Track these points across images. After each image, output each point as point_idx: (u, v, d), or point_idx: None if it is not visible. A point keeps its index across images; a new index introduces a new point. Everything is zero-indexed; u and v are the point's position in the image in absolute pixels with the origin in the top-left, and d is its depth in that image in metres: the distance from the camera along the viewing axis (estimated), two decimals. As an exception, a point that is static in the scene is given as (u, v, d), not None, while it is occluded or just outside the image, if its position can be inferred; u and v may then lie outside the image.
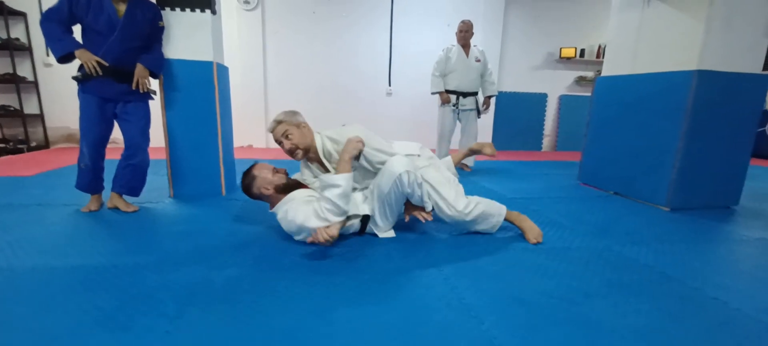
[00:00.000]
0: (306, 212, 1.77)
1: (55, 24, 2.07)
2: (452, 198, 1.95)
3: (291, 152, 1.93)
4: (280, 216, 1.87)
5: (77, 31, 2.16)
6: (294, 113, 1.97)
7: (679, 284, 1.60)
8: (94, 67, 2.08)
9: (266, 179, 1.91)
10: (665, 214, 2.64)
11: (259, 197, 1.95)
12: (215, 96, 2.66)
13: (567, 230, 2.22)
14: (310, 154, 2.00)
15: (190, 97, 2.62)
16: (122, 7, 2.15)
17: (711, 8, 2.44)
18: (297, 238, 1.87)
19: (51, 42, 2.09)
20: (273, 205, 1.93)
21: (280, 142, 1.95)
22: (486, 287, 1.52)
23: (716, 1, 2.43)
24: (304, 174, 2.13)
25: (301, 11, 5.28)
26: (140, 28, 2.23)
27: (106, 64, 2.12)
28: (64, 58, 2.11)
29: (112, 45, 2.13)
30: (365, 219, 1.96)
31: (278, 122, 1.94)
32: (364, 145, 1.84)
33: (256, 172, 1.93)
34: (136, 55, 2.24)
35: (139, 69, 2.25)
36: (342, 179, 1.74)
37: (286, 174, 1.99)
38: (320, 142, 1.97)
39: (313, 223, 1.74)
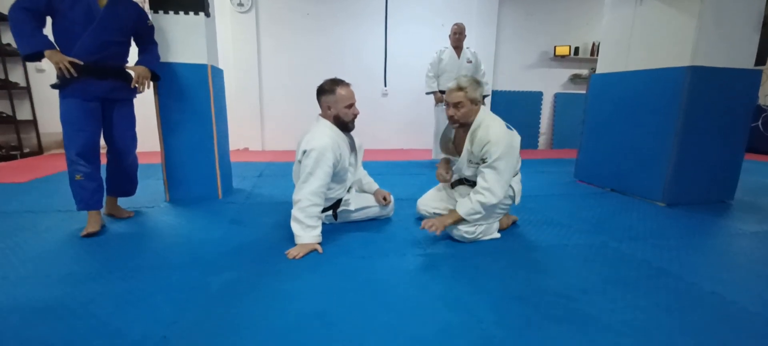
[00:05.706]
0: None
1: (27, 14, 1.86)
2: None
3: (449, 118, 1.97)
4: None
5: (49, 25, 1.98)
6: (477, 86, 1.90)
7: (676, 278, 1.61)
8: (67, 69, 1.89)
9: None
10: (661, 209, 2.65)
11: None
12: (210, 99, 2.64)
13: (564, 227, 2.23)
14: (460, 130, 2.02)
15: (185, 101, 2.60)
16: None
17: (703, 4, 2.46)
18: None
19: (19, 36, 1.87)
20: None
21: (446, 103, 1.95)
22: (484, 286, 1.52)
23: (708, -3, 2.45)
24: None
25: (295, 13, 5.27)
26: (121, 22, 2.07)
27: (81, 63, 1.93)
28: (31, 56, 1.90)
29: (88, 37, 1.95)
30: (336, 206, 2.13)
31: (460, 88, 1.88)
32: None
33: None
34: (115, 52, 2.08)
35: (142, 70, 2.15)
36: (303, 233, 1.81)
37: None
38: (474, 131, 1.91)
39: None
